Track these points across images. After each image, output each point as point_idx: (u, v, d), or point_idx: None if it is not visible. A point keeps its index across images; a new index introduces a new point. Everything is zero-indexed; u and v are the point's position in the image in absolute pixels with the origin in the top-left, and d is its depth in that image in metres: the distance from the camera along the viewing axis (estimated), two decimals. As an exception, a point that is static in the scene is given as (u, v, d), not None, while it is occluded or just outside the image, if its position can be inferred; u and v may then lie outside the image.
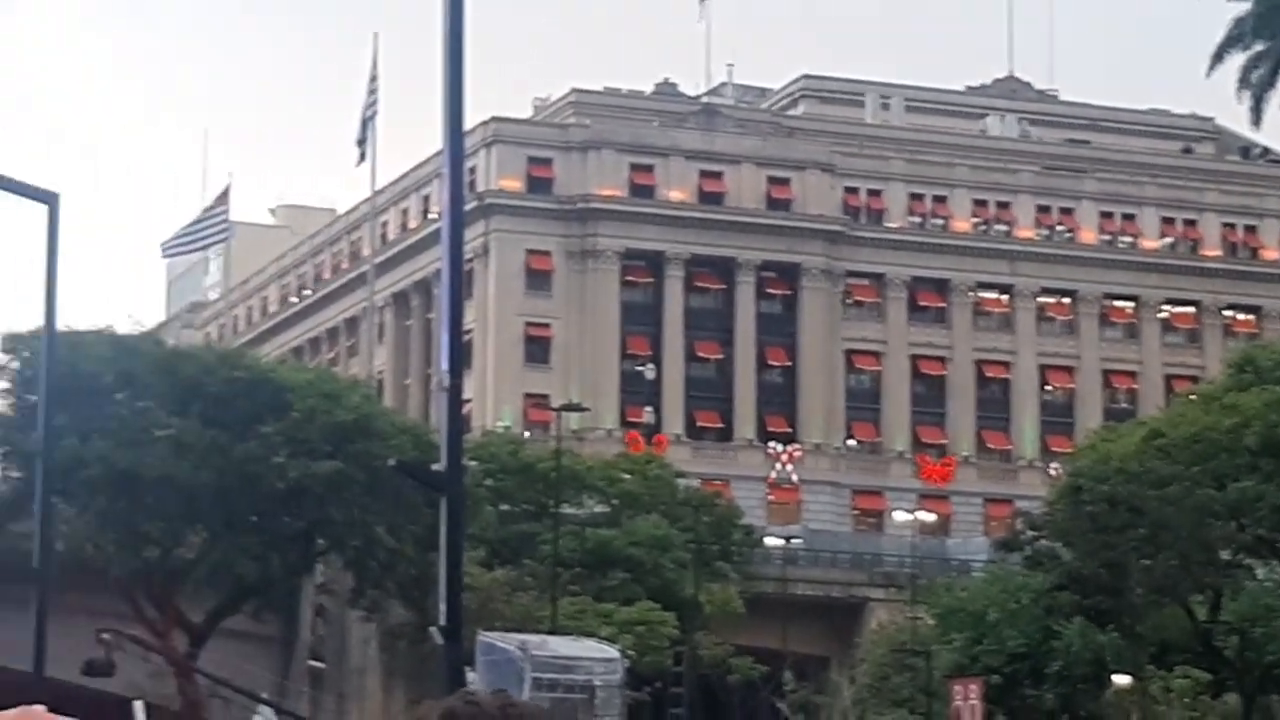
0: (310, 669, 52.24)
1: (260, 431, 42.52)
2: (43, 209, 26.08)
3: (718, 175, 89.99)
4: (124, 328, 46.30)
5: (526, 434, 72.34)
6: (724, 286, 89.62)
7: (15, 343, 42.82)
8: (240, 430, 42.53)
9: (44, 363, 27.54)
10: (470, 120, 19.62)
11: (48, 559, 26.14)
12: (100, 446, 40.79)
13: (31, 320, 40.49)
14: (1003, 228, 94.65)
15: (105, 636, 38.75)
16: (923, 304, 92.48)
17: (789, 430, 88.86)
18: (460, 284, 18.80)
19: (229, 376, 43.97)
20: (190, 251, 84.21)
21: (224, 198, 78.86)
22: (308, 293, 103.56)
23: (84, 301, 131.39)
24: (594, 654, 40.32)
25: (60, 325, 29.80)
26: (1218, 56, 52.83)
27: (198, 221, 78.33)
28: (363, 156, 71.76)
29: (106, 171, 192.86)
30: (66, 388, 34.97)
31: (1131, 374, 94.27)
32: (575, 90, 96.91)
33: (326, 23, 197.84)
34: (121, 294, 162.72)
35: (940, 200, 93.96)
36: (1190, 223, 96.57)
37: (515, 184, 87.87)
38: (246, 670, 47.30)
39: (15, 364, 42.87)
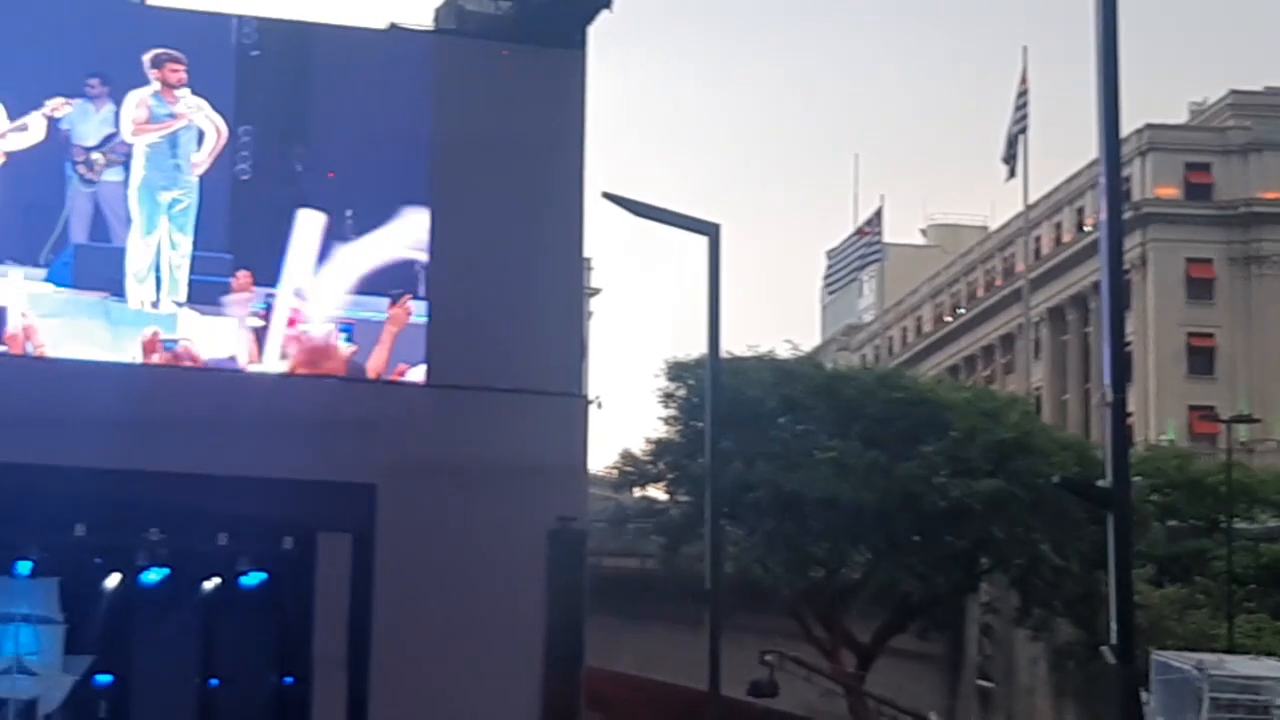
0: (978, 689, 52.00)
1: (920, 451, 42.56)
2: (703, 240, 26.87)
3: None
4: (783, 353, 47.06)
5: (1191, 447, 70.23)
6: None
7: (681, 371, 44.10)
8: (900, 450, 42.66)
9: (708, 389, 28.31)
10: (1124, 129, 19.13)
11: (718, 580, 26.81)
12: (765, 470, 41.58)
13: (695, 349, 41.72)
14: None
15: (768, 658, 39.50)
16: None
17: None
18: (1120, 296, 18.38)
19: (888, 398, 44.17)
20: (847, 278, 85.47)
21: (876, 220, 79.72)
22: (961, 311, 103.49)
23: (744, 328, 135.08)
24: (1278, 674, 38.69)
25: (723, 352, 30.60)
26: None
27: (851, 245, 79.39)
28: (1012, 172, 71.32)
29: (761, 199, 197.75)
30: (731, 413, 35.90)
31: None
32: (1233, 92, 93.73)
33: (972, 40, 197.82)
34: (778, 319, 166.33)
35: None
36: None
37: (1172, 192, 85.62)
38: (913, 690, 47.45)
39: (682, 392, 44.13)
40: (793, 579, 43.02)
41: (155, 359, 26.26)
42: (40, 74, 26.42)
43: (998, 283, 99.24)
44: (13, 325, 25.58)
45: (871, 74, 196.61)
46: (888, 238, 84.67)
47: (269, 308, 26.74)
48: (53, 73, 26.42)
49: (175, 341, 26.46)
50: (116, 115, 26.55)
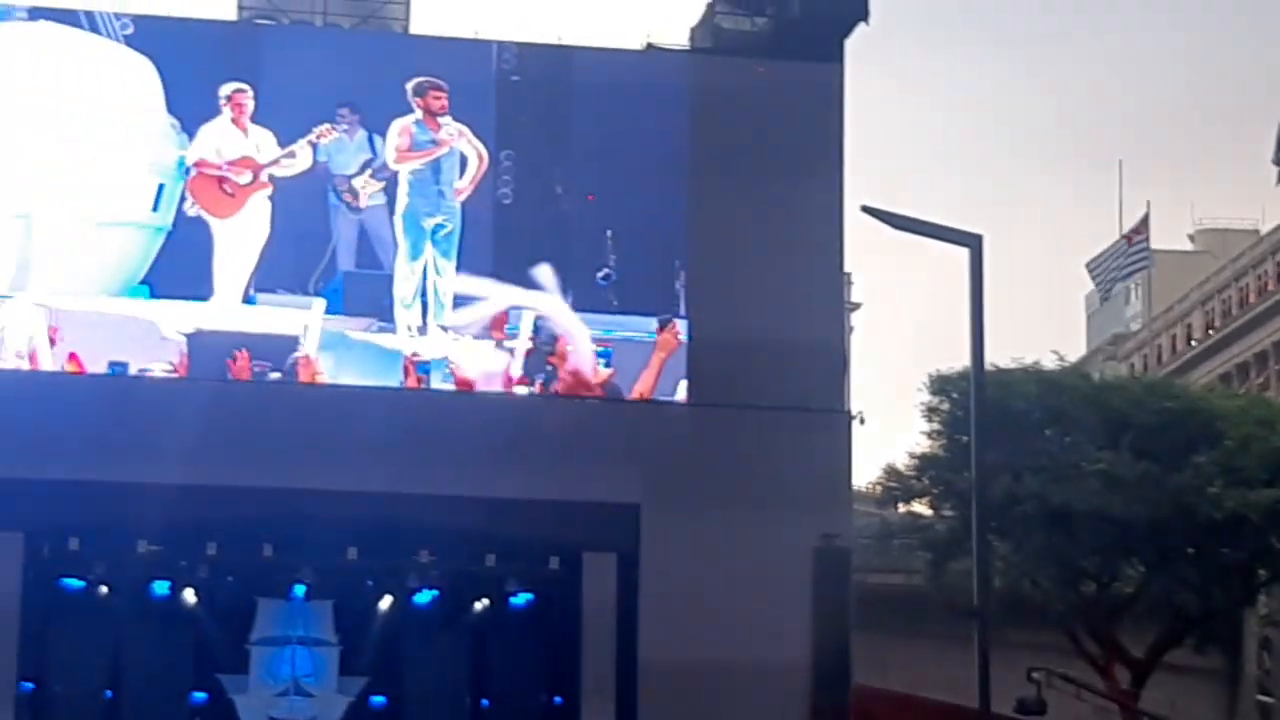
0: (1259, 704, 50.75)
1: (1193, 461, 41.63)
2: (965, 252, 26.49)
3: None
4: (1048, 363, 46.33)
5: None
6: None
7: (944, 384, 43.62)
8: (1172, 461, 41.75)
9: (973, 403, 27.89)
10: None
11: (986, 596, 26.40)
12: (1032, 483, 40.95)
13: (958, 361, 41.23)
14: None
15: (1035, 676, 38.84)
16: None
17: None
18: (1402, 299, 17.79)
19: (1158, 407, 43.26)
20: (1114, 286, 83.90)
21: (1143, 226, 78.26)
22: (1232, 318, 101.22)
23: (1007, 339, 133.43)
24: None
25: (987, 365, 30.15)
26: None
27: (1117, 252, 78.01)
28: (1283, 173, 69.53)
29: (1022, 207, 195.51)
30: (996, 426, 35.37)
31: None
32: None
33: (1239, 39, 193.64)
34: (1042, 329, 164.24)
35: None
36: None
37: None
38: (1190, 707, 46.40)
39: (945, 405, 43.65)
40: (1063, 594, 42.33)
41: (420, 383, 26.65)
42: (306, 103, 27.00)
43: (1270, 287, 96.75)
44: (309, 351, 26.12)
45: (1133, 78, 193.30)
46: (1155, 244, 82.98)
47: (537, 331, 27.00)
48: (317, 101, 26.98)
49: (438, 364, 26.82)
50: (370, 141, 27.01)
